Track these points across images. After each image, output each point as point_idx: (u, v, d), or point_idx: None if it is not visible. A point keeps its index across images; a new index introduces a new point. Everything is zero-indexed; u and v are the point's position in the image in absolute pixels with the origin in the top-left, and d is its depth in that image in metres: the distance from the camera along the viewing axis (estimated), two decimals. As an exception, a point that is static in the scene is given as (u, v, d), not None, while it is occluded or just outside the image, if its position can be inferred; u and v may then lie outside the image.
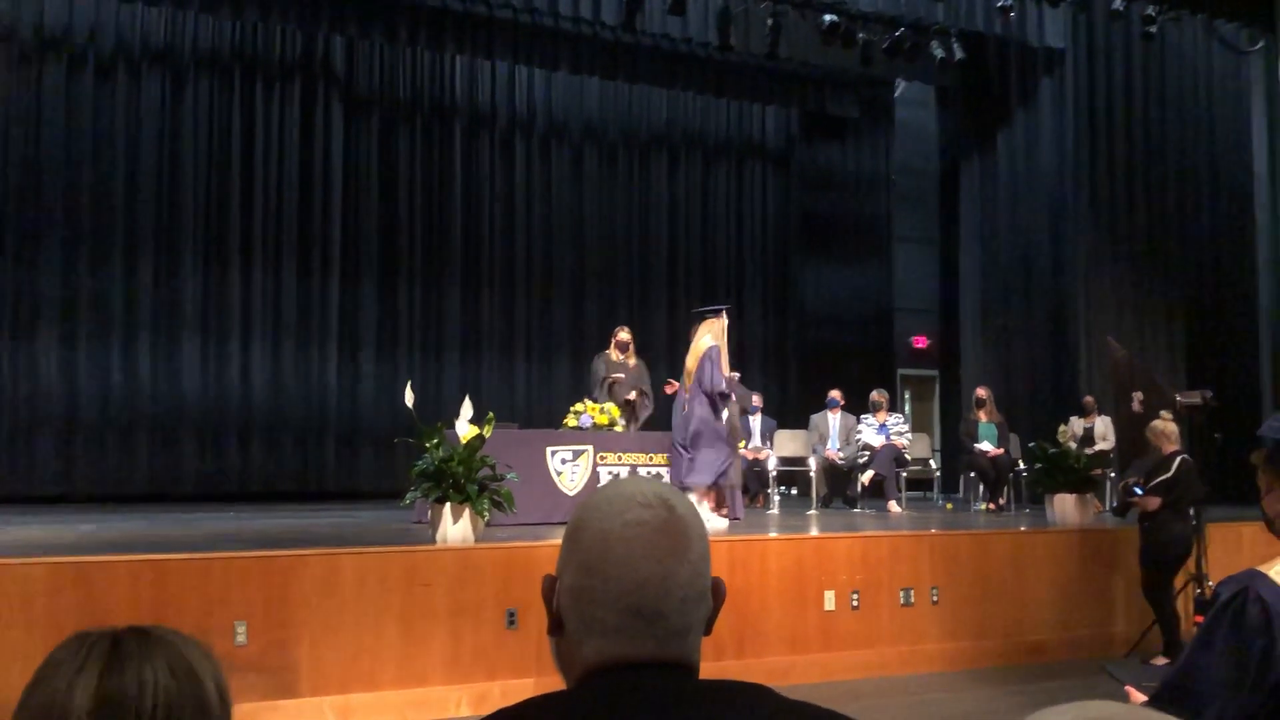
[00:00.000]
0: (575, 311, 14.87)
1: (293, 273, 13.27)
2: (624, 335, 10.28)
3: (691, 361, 8.78)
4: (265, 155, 13.27)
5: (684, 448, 8.70)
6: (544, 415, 13.22)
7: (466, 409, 7.17)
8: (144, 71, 12.70)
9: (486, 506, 6.78)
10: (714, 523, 8.41)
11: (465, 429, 7.06)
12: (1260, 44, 13.60)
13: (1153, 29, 12.49)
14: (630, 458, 9.27)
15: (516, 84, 14.89)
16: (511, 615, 6.37)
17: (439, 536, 6.76)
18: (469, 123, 14.56)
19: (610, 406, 9.54)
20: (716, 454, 8.65)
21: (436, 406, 11.82)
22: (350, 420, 13.41)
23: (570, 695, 1.25)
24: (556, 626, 1.30)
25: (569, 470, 8.92)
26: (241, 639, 5.73)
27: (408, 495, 7.26)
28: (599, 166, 15.34)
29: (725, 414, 8.80)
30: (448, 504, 6.73)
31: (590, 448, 9.09)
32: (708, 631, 1.32)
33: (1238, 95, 14.12)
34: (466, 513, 6.75)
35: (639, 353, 10.44)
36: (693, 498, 8.06)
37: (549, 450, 8.95)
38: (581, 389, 10.96)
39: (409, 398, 7.02)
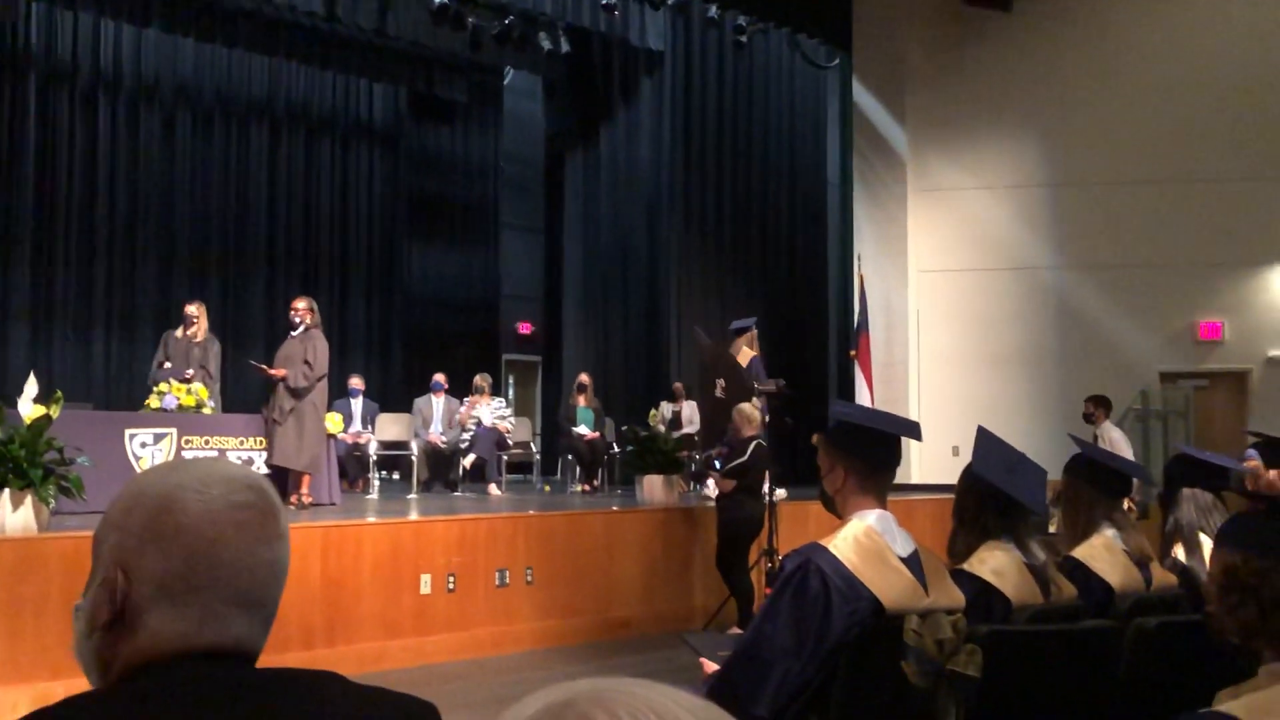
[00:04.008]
0: (162, 285, 13.86)
1: None
2: (190, 309, 9.67)
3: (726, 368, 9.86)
4: None
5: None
6: (125, 396, 12.31)
7: (31, 386, 6.56)
8: None
9: (52, 493, 6.23)
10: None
11: (29, 409, 6.44)
12: (836, 61, 14.85)
13: (743, 39, 13.35)
14: (219, 441, 8.80)
15: (102, 38, 13.67)
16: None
17: (-5, 526, 6.13)
18: (45, 77, 13.24)
19: (198, 387, 9.00)
20: None
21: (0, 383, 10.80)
22: (-107, 398, 11.89)
23: (124, 691, 1.15)
24: (116, 621, 1.17)
25: (149, 454, 8.33)
26: None
27: (-41, 482, 6.52)
28: (192, 132, 14.40)
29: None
30: (6, 490, 6.12)
31: (174, 430, 8.54)
32: None
33: (817, 106, 15.36)
34: (29, 499, 6.16)
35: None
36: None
37: (128, 433, 8.33)
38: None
39: (-39, 374, 6.34)
